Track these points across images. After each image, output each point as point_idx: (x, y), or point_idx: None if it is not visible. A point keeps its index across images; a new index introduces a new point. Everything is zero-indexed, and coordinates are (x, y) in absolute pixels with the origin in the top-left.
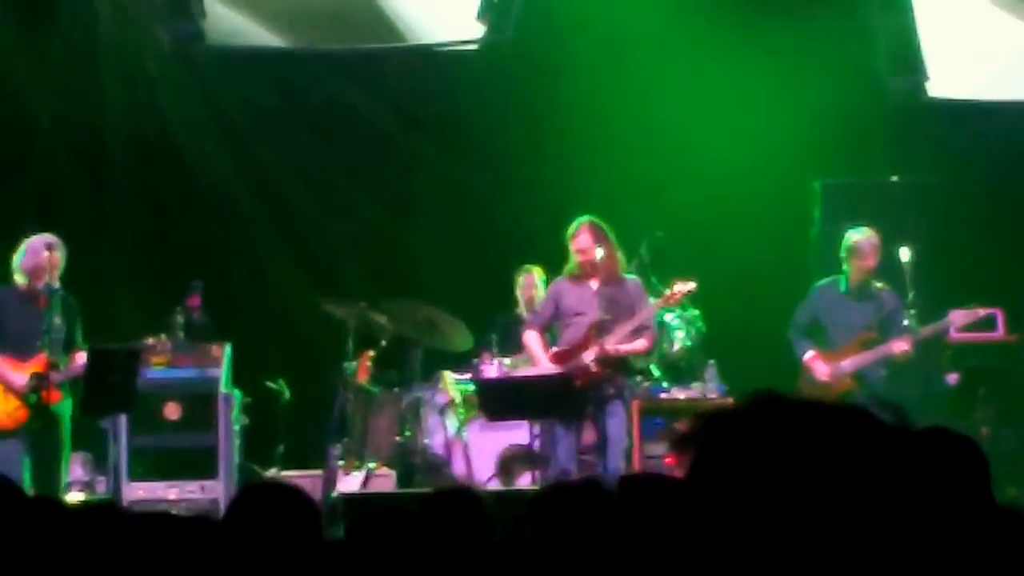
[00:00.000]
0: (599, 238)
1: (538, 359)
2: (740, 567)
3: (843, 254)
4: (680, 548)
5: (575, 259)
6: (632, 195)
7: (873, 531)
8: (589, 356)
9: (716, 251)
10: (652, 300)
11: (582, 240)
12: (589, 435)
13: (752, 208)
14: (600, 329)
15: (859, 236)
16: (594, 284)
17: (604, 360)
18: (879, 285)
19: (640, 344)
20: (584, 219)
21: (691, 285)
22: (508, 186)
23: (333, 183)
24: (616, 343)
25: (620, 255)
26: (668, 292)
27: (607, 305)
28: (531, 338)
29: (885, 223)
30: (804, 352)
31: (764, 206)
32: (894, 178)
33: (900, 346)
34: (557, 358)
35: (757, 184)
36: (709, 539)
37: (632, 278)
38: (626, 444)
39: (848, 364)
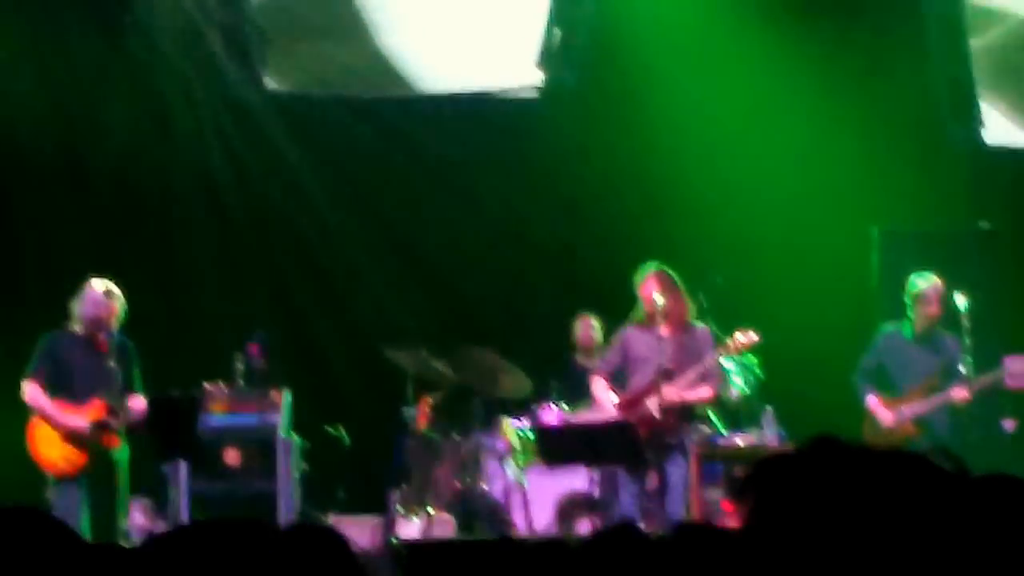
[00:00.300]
0: (666, 286)
1: (604, 405)
2: None
3: (908, 300)
4: None
5: (642, 306)
6: (692, 240)
7: None
8: (653, 403)
9: (774, 296)
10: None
11: (649, 287)
12: (652, 482)
13: (811, 253)
14: (666, 376)
15: (924, 283)
16: (663, 331)
17: (668, 408)
18: (943, 332)
19: (704, 392)
20: (651, 266)
21: (753, 336)
22: (568, 232)
23: (394, 228)
24: (680, 390)
25: (688, 302)
26: (729, 342)
27: (676, 352)
28: (598, 385)
29: (942, 270)
30: (867, 397)
31: (823, 251)
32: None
33: (959, 393)
34: (623, 405)
35: (816, 229)
36: None
37: (701, 325)
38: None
39: (910, 410)
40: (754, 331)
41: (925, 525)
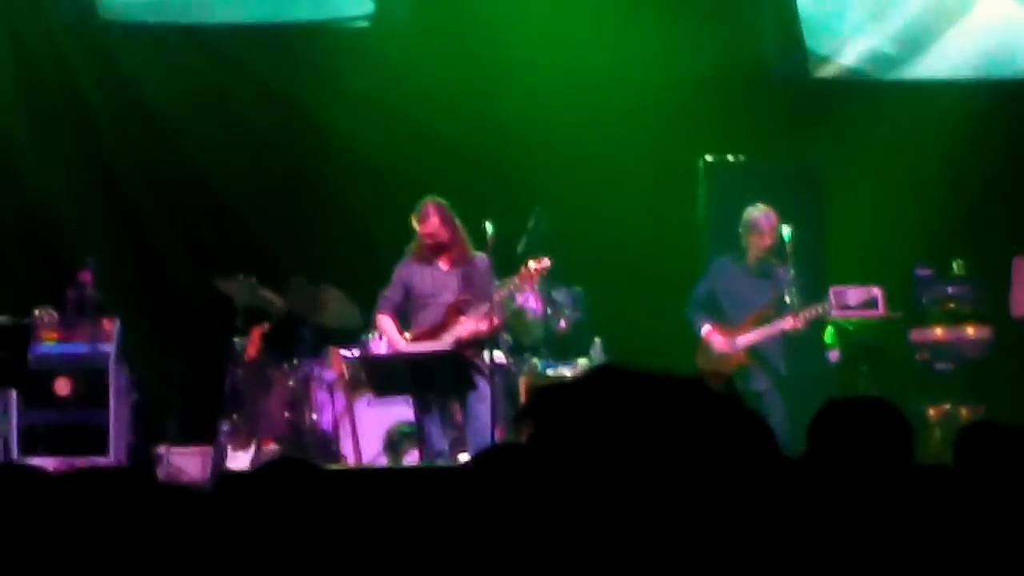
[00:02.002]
0: (444, 218)
1: (395, 342)
2: (574, 541)
3: (741, 230)
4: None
5: (422, 240)
6: (521, 172)
7: (700, 500)
8: (448, 339)
9: (602, 226)
10: (510, 279)
11: (431, 222)
12: (457, 415)
13: (637, 184)
14: (457, 311)
15: (758, 212)
16: (443, 265)
17: (463, 342)
18: (775, 262)
19: (485, 325)
20: (429, 199)
21: (545, 262)
22: (399, 162)
23: (221, 158)
24: (473, 324)
25: (465, 234)
26: (523, 270)
27: (462, 286)
28: (385, 322)
29: (768, 202)
30: (701, 326)
31: (649, 182)
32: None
33: (790, 322)
34: (415, 341)
35: (641, 159)
36: (543, 511)
37: (480, 256)
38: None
39: (744, 340)
40: (548, 257)
41: (696, 450)
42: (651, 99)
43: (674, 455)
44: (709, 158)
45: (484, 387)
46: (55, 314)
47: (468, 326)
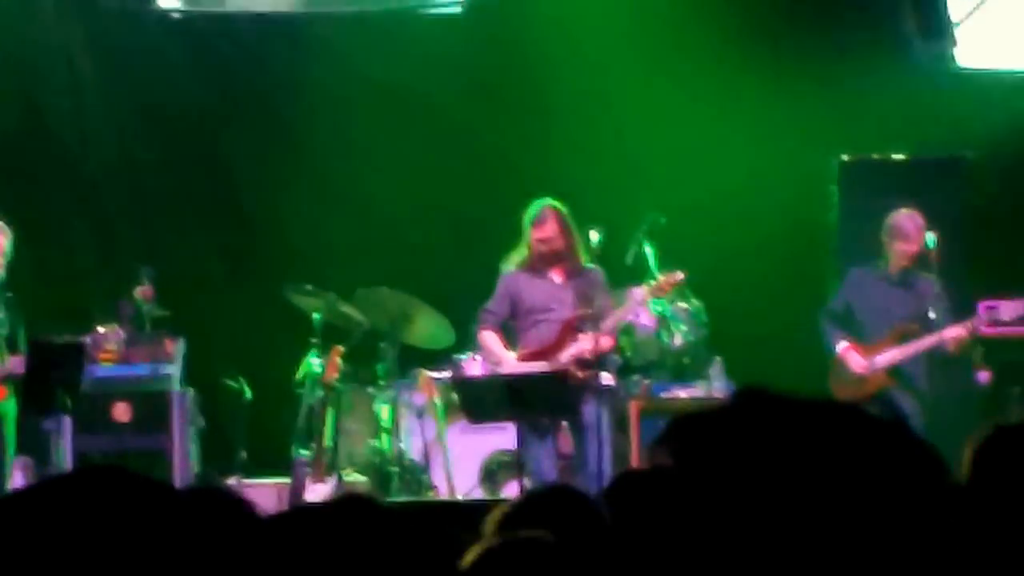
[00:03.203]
0: (563, 225)
1: (503, 360)
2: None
3: (884, 236)
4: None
5: (533, 248)
6: (627, 177)
7: (866, 536)
8: (566, 357)
9: (721, 238)
10: (639, 289)
11: (548, 227)
12: (566, 444)
13: (761, 188)
14: (575, 327)
15: (904, 216)
16: (556, 277)
17: (581, 361)
18: (920, 272)
19: (607, 343)
20: (547, 203)
21: (679, 275)
22: (488, 168)
23: (296, 161)
24: (590, 341)
25: (582, 244)
26: (653, 283)
27: (580, 299)
28: (489, 339)
29: (911, 205)
30: (836, 342)
31: (775, 186)
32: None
33: (954, 332)
34: (526, 360)
35: (767, 161)
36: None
37: (594, 268)
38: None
39: (884, 358)
40: (680, 271)
41: (856, 482)
42: (775, 94)
43: (833, 488)
44: (845, 157)
45: (598, 412)
46: (120, 331)
47: (587, 344)
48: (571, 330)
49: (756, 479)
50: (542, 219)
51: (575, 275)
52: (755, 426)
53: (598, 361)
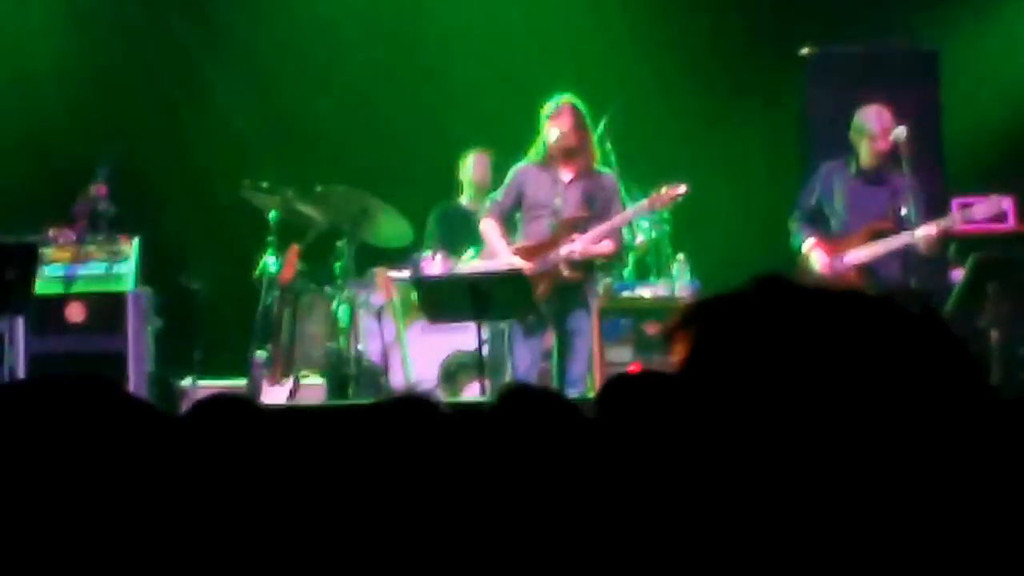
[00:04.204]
0: (579, 122)
1: (497, 251)
2: (741, 472)
3: (851, 134)
4: (670, 452)
5: (549, 143)
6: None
7: (895, 431)
8: (559, 256)
9: (678, 131)
10: (633, 201)
11: (563, 122)
12: (548, 341)
13: (723, 78)
14: (574, 227)
15: (870, 112)
16: (566, 175)
17: (573, 261)
18: (892, 168)
19: (607, 247)
20: (566, 98)
21: (682, 188)
22: (453, 59)
23: (253, 60)
24: (586, 244)
25: (596, 145)
26: (655, 194)
27: (583, 200)
28: (490, 227)
29: (879, 98)
30: (805, 239)
31: (739, 75)
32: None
33: (925, 231)
34: (520, 255)
35: (729, 50)
36: (706, 441)
37: (608, 172)
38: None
39: (854, 256)
40: (685, 184)
41: (892, 381)
42: None
43: (863, 385)
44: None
45: (586, 316)
46: (72, 234)
47: (581, 245)
48: (569, 229)
49: (783, 374)
50: (558, 112)
51: (585, 175)
52: (780, 314)
53: (599, 265)
